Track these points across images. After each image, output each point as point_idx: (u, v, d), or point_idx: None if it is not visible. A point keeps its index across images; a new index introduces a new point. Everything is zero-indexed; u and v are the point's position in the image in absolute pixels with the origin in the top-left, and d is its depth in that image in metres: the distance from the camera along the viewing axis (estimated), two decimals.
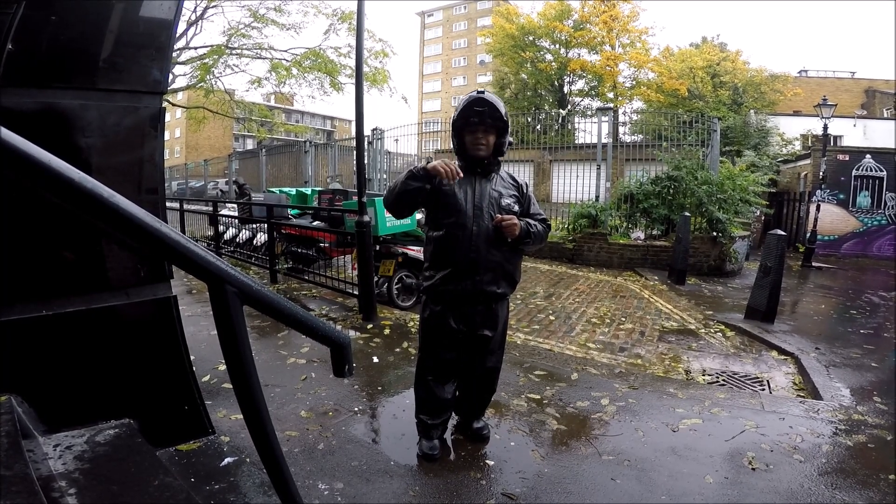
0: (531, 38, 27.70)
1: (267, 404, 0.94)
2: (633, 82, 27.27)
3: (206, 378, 2.78)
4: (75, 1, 1.69)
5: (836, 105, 10.60)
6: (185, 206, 8.78)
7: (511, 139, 2.11)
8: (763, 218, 11.52)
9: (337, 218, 5.46)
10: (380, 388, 2.94)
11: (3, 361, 1.52)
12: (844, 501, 1.94)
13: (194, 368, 2.05)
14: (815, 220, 9.85)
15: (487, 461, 2.16)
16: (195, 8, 11.67)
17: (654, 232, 8.18)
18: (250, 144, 36.54)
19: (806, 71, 28.08)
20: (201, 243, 2.38)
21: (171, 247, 0.82)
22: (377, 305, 4.41)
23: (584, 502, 1.90)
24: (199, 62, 12.47)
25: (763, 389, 3.32)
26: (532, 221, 2.08)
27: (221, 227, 7.27)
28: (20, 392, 1.46)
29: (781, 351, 4.07)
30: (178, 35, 9.97)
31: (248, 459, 1.91)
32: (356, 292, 4.48)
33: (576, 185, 8.67)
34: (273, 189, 8.98)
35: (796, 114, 19.06)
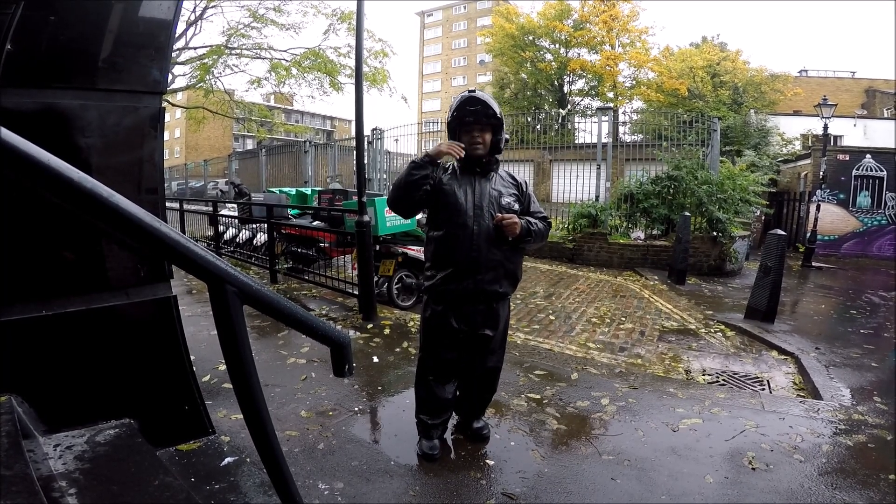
0: (531, 38, 27.70)
1: (267, 404, 0.94)
2: (633, 82, 27.27)
3: (206, 378, 2.78)
4: (75, 1, 1.69)
5: (836, 105, 10.60)
6: (185, 206, 8.78)
7: (507, 136, 2.10)
8: (763, 218, 11.52)
9: (337, 218, 5.46)
10: (380, 387, 2.94)
11: (4, 361, 1.52)
12: (844, 501, 1.94)
13: (194, 368, 2.05)
14: (816, 219, 9.85)
15: (487, 461, 2.16)
16: (194, 8, 11.67)
17: (654, 232, 8.18)
18: (250, 144, 36.54)
19: (806, 71, 28.07)
20: (201, 243, 2.38)
21: (171, 247, 0.82)
22: (377, 305, 4.41)
23: (584, 502, 1.90)
24: (198, 62, 12.46)
25: (763, 389, 3.32)
26: (532, 220, 2.08)
27: (221, 227, 7.27)
28: (20, 392, 1.46)
29: (781, 351, 4.07)
30: (177, 35, 9.99)
31: (248, 459, 1.91)
32: (356, 292, 4.48)
33: (576, 185, 8.66)
34: (273, 189, 8.98)
35: (796, 113, 19.06)
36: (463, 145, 1.93)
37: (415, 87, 49.43)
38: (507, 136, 2.10)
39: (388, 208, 4.61)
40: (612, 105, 23.08)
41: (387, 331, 3.96)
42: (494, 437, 2.36)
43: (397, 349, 3.55)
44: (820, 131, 10.67)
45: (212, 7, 11.84)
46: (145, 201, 1.85)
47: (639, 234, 8.26)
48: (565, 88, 29.20)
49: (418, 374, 2.22)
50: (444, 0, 47.31)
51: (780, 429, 2.54)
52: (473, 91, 2.01)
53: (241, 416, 0.94)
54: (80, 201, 0.73)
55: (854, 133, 17.26)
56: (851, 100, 24.52)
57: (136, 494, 1.14)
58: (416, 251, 4.92)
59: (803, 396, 3.21)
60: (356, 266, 4.36)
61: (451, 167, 2.09)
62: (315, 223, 5.93)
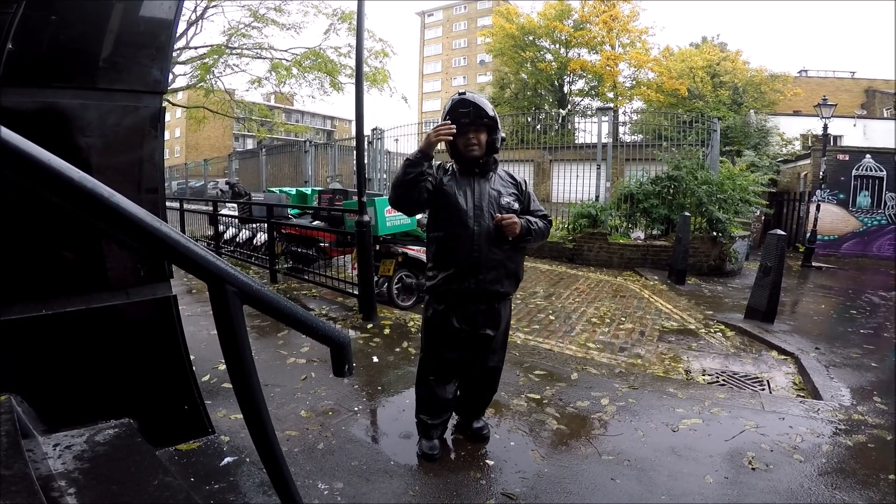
0: (531, 38, 27.68)
1: (267, 404, 0.94)
2: (633, 82, 27.26)
3: (206, 378, 2.78)
4: (75, 1, 1.69)
5: (836, 105, 10.60)
6: (185, 206, 8.78)
7: (503, 135, 2.10)
8: (763, 218, 11.52)
9: (337, 218, 5.46)
10: (380, 387, 2.94)
11: (3, 361, 1.52)
12: (844, 501, 1.94)
13: (194, 368, 2.05)
14: (815, 219, 9.85)
15: (487, 461, 2.16)
16: (195, 8, 11.66)
17: (654, 232, 8.18)
18: (250, 144, 36.54)
19: (806, 71, 28.06)
20: (201, 243, 2.38)
21: (171, 246, 0.82)
22: (377, 305, 4.41)
23: (583, 502, 1.90)
24: (199, 62, 12.45)
25: (763, 389, 3.32)
26: (532, 219, 2.08)
27: (221, 227, 7.27)
28: (20, 392, 1.46)
29: (781, 351, 4.07)
30: (178, 35, 9.97)
31: (247, 459, 1.91)
32: (356, 292, 4.48)
33: (576, 185, 8.66)
34: (273, 189, 8.98)
35: (796, 114, 19.07)
36: (451, 122, 1.91)
37: (415, 87, 49.50)
38: (503, 136, 2.10)
39: (388, 208, 4.65)
40: (612, 105, 23.07)
41: (387, 331, 3.96)
42: (494, 437, 2.36)
43: (397, 349, 3.55)
44: (820, 131, 10.67)
45: (212, 7, 11.83)
46: (145, 201, 1.85)
47: (639, 235, 8.26)
48: (565, 88, 29.20)
49: (419, 373, 2.22)
50: (444, 0, 47.31)
51: (780, 429, 2.54)
52: (464, 93, 2.01)
53: (240, 416, 0.94)
54: (80, 201, 0.73)
55: (854, 133, 17.26)
56: (851, 100, 24.52)
57: (136, 494, 1.14)
58: (416, 251, 4.92)
59: (803, 396, 3.21)
60: (356, 266, 4.36)
61: (450, 168, 2.09)
62: (315, 223, 5.93)
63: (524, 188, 2.16)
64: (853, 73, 27.81)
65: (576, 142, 12.56)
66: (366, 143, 6.75)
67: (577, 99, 29.03)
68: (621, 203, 8.44)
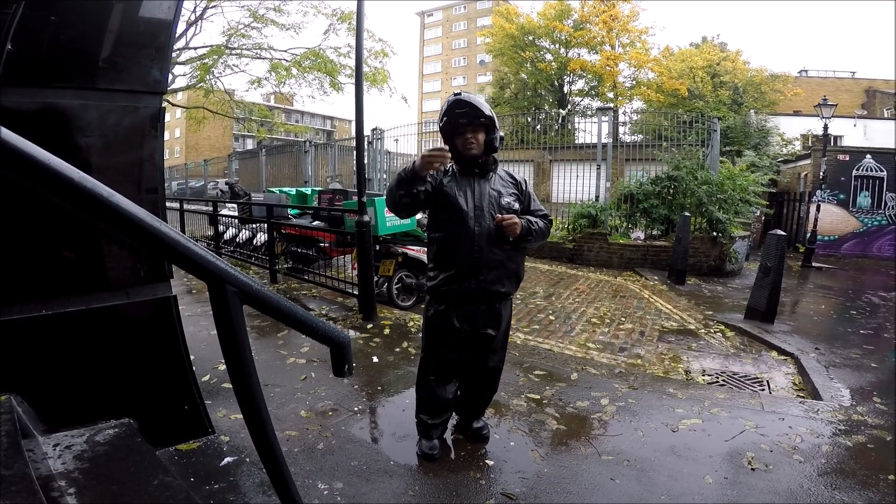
0: (531, 38, 27.67)
1: (267, 404, 0.94)
2: (633, 82, 27.25)
3: (206, 378, 2.78)
4: (75, 1, 1.69)
5: (836, 105, 10.60)
6: (185, 206, 8.78)
7: (501, 134, 2.10)
8: (763, 218, 11.52)
9: (337, 218, 5.46)
10: (379, 387, 2.94)
11: (3, 361, 1.52)
12: (844, 502, 1.94)
13: (194, 368, 2.05)
14: (816, 220, 9.85)
15: (487, 461, 2.16)
16: (195, 8, 11.66)
17: (654, 232, 8.18)
18: (250, 144, 36.54)
19: (806, 71, 28.06)
20: (201, 243, 2.38)
21: (171, 246, 0.82)
22: (377, 305, 4.41)
23: (583, 502, 1.91)
24: (198, 62, 12.46)
25: (763, 390, 3.32)
26: (533, 219, 2.08)
27: (221, 227, 7.27)
28: (20, 391, 1.46)
29: (781, 351, 4.07)
30: (177, 35, 9.99)
31: (247, 459, 1.91)
32: (356, 292, 4.48)
33: (576, 185, 8.67)
34: (273, 189, 8.98)
35: (796, 114, 19.07)
36: (447, 148, 1.91)
37: (415, 87, 49.50)
38: (501, 135, 2.10)
39: (388, 208, 4.65)
40: (612, 105, 23.05)
41: (386, 331, 3.97)
42: (494, 437, 2.36)
43: (397, 349, 3.55)
44: (820, 131, 10.67)
45: (212, 7, 11.84)
46: (145, 201, 1.85)
47: (639, 235, 8.26)
48: (565, 88, 29.19)
49: (420, 373, 2.22)
50: (444, 0, 47.31)
51: (780, 429, 2.54)
52: (459, 94, 2.01)
53: (240, 416, 0.94)
54: (80, 201, 0.73)
55: (854, 133, 17.26)
56: (851, 100, 24.51)
57: (136, 494, 1.14)
58: (416, 251, 4.92)
59: (803, 397, 3.21)
60: (356, 266, 4.37)
61: (450, 169, 2.09)
62: (315, 223, 5.93)
63: (524, 188, 2.16)
64: (853, 73, 27.84)
65: (576, 142, 12.57)
66: (366, 143, 6.76)
67: (577, 99, 29.03)
68: (621, 203, 8.44)
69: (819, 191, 10.25)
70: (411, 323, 4.18)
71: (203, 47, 12.58)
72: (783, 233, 4.91)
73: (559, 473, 2.08)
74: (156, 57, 1.86)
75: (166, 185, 8.40)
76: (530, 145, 10.95)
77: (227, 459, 1.90)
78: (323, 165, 13.78)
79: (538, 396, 2.84)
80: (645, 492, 1.97)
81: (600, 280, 6.95)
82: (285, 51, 12.79)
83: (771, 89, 22.58)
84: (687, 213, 7.05)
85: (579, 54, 27.76)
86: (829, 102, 10.04)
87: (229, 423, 2.26)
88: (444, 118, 2.00)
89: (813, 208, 10.14)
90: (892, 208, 11.04)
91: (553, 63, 27.43)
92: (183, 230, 7.68)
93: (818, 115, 10.31)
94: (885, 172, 11.00)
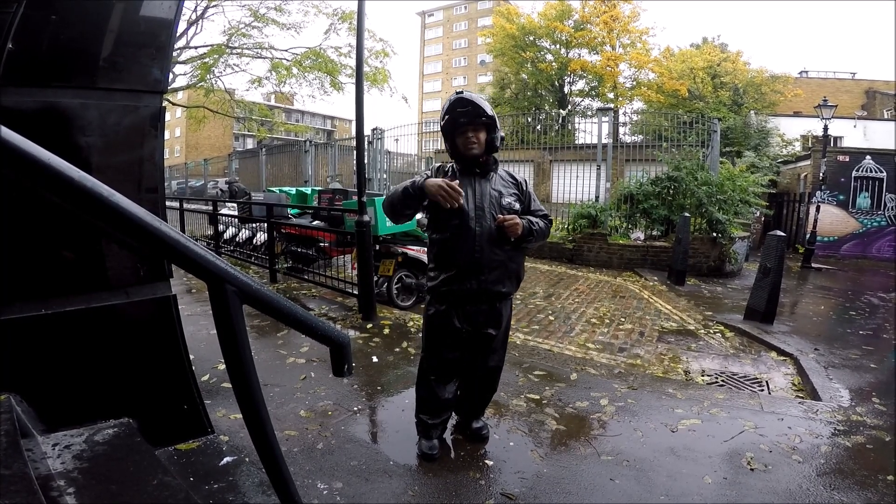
0: (531, 39, 27.65)
1: (266, 404, 0.94)
2: (634, 83, 27.23)
3: (206, 377, 2.78)
4: (75, 1, 1.69)
5: (836, 106, 10.60)
6: (185, 206, 8.78)
7: (502, 134, 2.10)
8: (763, 219, 11.53)
9: (337, 217, 5.47)
10: (379, 387, 2.94)
11: (3, 361, 1.52)
12: (843, 502, 1.95)
13: (194, 368, 2.05)
14: (815, 221, 9.85)
15: (487, 461, 2.16)
16: (195, 7, 11.67)
17: (654, 232, 8.19)
18: (250, 144, 36.53)
19: (806, 72, 28.07)
20: (201, 242, 2.38)
21: (171, 246, 0.82)
22: (377, 305, 4.41)
23: (583, 502, 1.91)
24: (199, 61, 12.46)
25: (762, 390, 3.32)
26: (533, 219, 2.08)
27: (221, 227, 7.27)
28: (19, 391, 1.46)
29: (780, 352, 4.08)
30: (178, 34, 9.97)
31: (247, 459, 1.91)
32: (356, 292, 4.48)
33: (576, 186, 8.67)
34: (273, 188, 8.98)
35: (796, 115, 19.08)
36: (461, 193, 1.91)
37: (415, 87, 49.48)
38: (502, 135, 2.10)
39: (385, 214, 4.64)
40: (612, 106, 23.04)
41: (386, 331, 3.97)
42: (493, 437, 2.36)
43: (397, 349, 3.55)
44: (820, 132, 10.67)
45: (213, 6, 11.84)
46: (145, 200, 1.85)
47: (638, 235, 8.26)
48: (566, 89, 29.17)
49: (420, 373, 2.22)
50: (444, 0, 47.31)
51: (779, 430, 2.54)
52: (461, 93, 2.01)
53: (240, 416, 0.94)
54: (80, 201, 0.73)
55: (854, 134, 17.26)
56: (851, 101, 24.53)
57: (135, 494, 1.14)
58: (416, 251, 4.92)
59: (802, 397, 3.21)
60: (356, 266, 4.37)
61: (451, 169, 2.09)
62: (315, 223, 5.94)
63: (525, 188, 2.16)
64: (854, 73, 27.86)
65: (576, 142, 12.54)
66: (366, 142, 6.76)
67: (578, 99, 29.01)
68: (621, 203, 8.44)
69: (819, 192, 10.26)
70: (411, 323, 4.18)
71: (204, 46, 12.59)
72: (783, 233, 4.91)
73: (559, 473, 2.09)
74: (156, 56, 1.86)
75: (166, 184, 8.39)
76: (530, 145, 10.94)
77: (227, 459, 1.90)
78: (323, 165, 13.77)
79: (538, 396, 2.84)
80: (644, 492, 1.97)
81: (600, 280, 6.95)
82: (286, 50, 12.81)
83: (771, 90, 22.58)
84: (687, 214, 7.06)
85: (580, 55, 27.75)
86: (829, 103, 10.04)
87: (229, 423, 2.26)
88: (446, 116, 2.00)
89: (812, 209, 10.14)
90: (892, 209, 11.05)
91: (553, 63, 27.42)
92: (183, 229, 7.67)
93: (818, 116, 10.32)
94: (884, 173, 11.01)
